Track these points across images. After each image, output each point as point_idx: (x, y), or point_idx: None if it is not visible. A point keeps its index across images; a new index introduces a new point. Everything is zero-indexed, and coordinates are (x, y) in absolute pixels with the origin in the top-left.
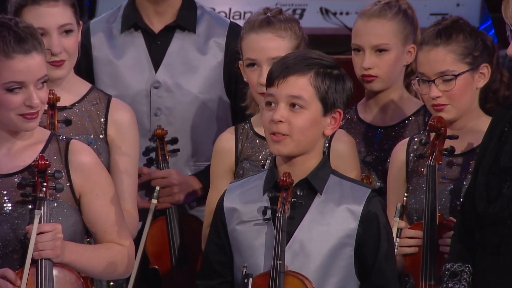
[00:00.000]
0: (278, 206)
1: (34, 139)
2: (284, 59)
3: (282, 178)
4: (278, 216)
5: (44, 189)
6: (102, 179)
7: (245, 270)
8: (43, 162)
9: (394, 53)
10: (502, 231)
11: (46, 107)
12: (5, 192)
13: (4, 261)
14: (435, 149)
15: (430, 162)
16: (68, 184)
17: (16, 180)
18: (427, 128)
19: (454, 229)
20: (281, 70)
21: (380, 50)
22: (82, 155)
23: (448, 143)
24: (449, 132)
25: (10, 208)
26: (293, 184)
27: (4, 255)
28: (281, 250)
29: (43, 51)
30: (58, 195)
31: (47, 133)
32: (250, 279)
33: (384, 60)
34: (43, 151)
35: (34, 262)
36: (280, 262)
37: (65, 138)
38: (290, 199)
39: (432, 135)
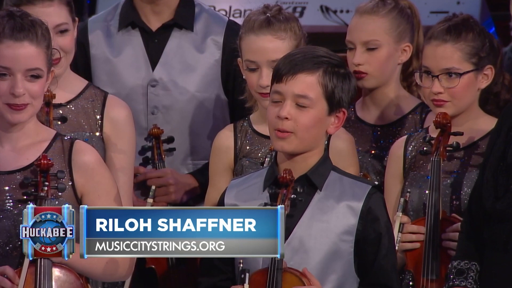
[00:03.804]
0: (278, 203)
1: (39, 138)
2: (292, 55)
3: (282, 175)
4: None
5: (46, 188)
6: (105, 180)
7: (241, 265)
8: (45, 161)
9: (385, 51)
10: (510, 227)
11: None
12: (7, 188)
13: (4, 258)
14: (440, 145)
15: (434, 158)
16: (70, 184)
17: (18, 177)
18: (434, 124)
19: (461, 227)
20: (290, 67)
21: (370, 47)
22: (86, 155)
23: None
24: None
25: (11, 204)
26: (294, 181)
27: (4, 252)
28: None
29: (40, 45)
30: (60, 194)
31: (52, 132)
32: (247, 274)
33: (374, 57)
34: (47, 150)
35: (33, 261)
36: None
37: (70, 137)
38: (290, 196)
39: (437, 131)
